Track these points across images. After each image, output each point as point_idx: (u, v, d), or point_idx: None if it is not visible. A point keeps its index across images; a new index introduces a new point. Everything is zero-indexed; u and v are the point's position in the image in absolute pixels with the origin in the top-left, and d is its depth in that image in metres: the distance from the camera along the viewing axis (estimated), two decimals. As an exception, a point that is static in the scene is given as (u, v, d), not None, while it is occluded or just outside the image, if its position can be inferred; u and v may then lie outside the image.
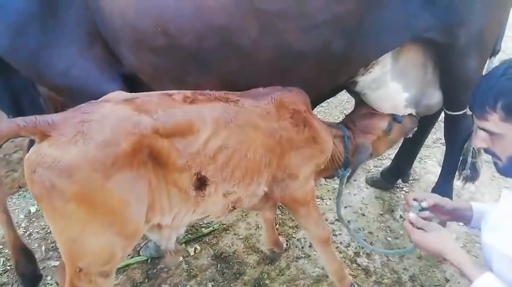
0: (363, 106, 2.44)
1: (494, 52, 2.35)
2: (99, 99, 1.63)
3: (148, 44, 1.91)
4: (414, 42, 2.13)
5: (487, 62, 2.36)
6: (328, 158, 2.21)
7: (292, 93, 2.02)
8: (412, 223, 1.66)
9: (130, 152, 1.45)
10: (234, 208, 1.97)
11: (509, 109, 1.39)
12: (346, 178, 2.40)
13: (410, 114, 2.46)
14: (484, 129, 1.50)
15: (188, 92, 1.78)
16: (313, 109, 2.23)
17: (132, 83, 2.06)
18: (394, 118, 2.37)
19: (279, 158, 1.94)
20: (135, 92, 1.77)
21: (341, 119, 4.64)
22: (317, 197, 3.32)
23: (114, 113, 1.50)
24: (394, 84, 2.27)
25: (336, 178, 2.51)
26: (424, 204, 1.70)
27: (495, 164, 1.58)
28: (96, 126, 1.44)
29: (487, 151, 1.58)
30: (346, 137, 2.31)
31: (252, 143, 1.81)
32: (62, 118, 1.46)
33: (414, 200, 1.73)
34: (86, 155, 1.39)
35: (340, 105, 4.97)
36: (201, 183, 1.71)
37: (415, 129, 2.55)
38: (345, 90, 2.57)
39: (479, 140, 1.55)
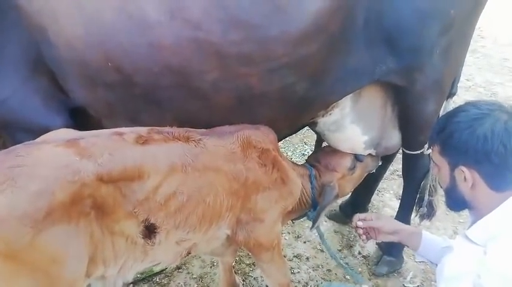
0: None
1: (451, 94, 2.40)
2: (38, 139, 1.46)
3: (99, 79, 1.76)
4: (374, 85, 2.13)
5: (444, 103, 2.41)
6: (296, 200, 2.12)
7: (260, 132, 1.93)
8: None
9: (67, 203, 1.29)
10: (188, 253, 1.83)
11: (444, 143, 1.52)
12: (312, 221, 2.31)
13: (370, 154, 2.45)
14: (432, 159, 1.66)
15: (143, 131, 1.63)
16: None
17: (81, 118, 1.88)
18: (356, 157, 2.36)
19: (244, 201, 1.82)
20: (83, 128, 1.61)
21: (301, 147, 4.69)
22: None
23: (52, 158, 1.34)
24: (353, 127, 2.26)
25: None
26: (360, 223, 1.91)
27: None
28: (29, 172, 1.26)
29: None
30: (312, 176, 2.24)
31: (211, 187, 1.69)
32: (-11, 162, 1.28)
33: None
34: (13, 207, 1.21)
35: (300, 133, 4.94)
36: (150, 231, 1.57)
37: (376, 167, 2.56)
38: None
39: (434, 168, 1.69)
